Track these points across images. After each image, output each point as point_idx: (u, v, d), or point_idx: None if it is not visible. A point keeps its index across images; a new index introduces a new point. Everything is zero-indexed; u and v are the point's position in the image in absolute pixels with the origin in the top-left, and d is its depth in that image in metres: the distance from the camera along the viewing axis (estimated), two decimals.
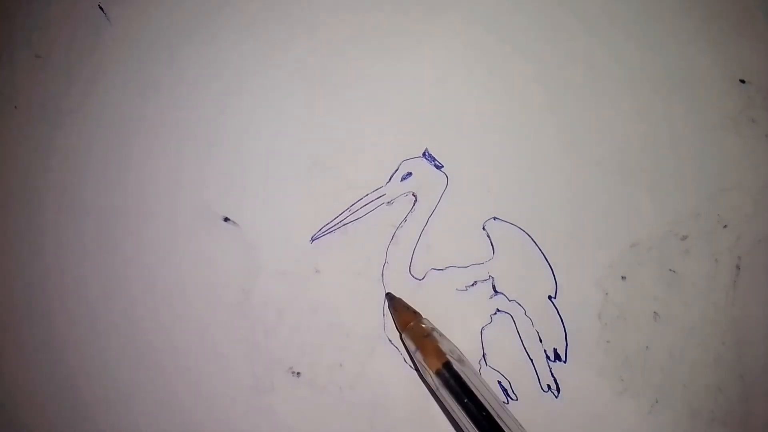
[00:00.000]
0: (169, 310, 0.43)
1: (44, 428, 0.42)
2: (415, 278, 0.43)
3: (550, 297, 0.43)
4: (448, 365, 0.38)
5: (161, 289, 0.43)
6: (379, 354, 0.42)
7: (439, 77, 0.45)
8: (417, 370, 0.41)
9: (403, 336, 0.41)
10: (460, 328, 0.43)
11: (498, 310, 0.43)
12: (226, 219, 0.44)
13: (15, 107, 0.46)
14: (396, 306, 0.41)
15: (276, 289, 0.43)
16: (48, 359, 0.43)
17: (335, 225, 0.43)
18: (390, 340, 0.43)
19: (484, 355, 0.42)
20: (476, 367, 0.42)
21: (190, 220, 0.44)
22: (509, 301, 0.43)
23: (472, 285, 0.43)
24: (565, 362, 0.42)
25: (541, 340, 0.42)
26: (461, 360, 0.39)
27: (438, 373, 0.38)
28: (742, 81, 0.44)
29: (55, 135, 0.45)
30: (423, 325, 0.40)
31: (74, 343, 0.43)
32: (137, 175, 0.45)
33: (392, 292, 0.42)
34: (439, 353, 0.38)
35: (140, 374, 0.42)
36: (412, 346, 0.40)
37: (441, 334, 0.40)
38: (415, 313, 0.41)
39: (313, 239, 0.43)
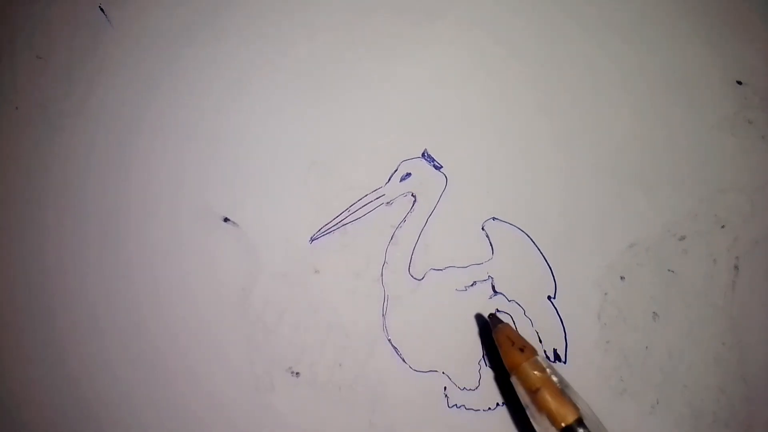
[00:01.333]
0: (170, 310, 0.43)
1: (47, 428, 0.42)
2: (415, 278, 0.43)
3: (549, 297, 0.43)
4: (580, 421, 0.32)
5: (162, 290, 0.43)
6: (378, 354, 0.43)
7: (437, 78, 0.46)
8: (508, 403, 0.36)
9: (518, 374, 0.34)
10: (459, 329, 0.43)
11: (497, 311, 0.43)
12: (226, 219, 0.44)
13: (16, 108, 0.46)
14: (510, 335, 0.35)
15: (276, 289, 0.43)
16: (50, 359, 0.43)
17: (335, 225, 0.44)
18: (389, 340, 0.43)
19: (483, 356, 0.42)
20: (476, 367, 0.42)
21: (190, 221, 0.44)
22: (509, 301, 0.43)
23: (472, 285, 0.43)
24: (564, 362, 0.42)
25: (540, 341, 0.42)
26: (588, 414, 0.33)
27: (566, 429, 0.32)
28: (739, 82, 0.45)
29: (55, 136, 0.46)
30: (543, 365, 0.35)
31: (76, 343, 0.43)
32: (137, 176, 0.45)
33: (497, 314, 0.37)
34: (571, 405, 0.32)
35: (142, 374, 0.43)
36: (531, 387, 0.33)
37: (561, 378, 0.34)
38: (533, 348, 0.35)
39: (312, 240, 0.44)
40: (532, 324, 0.42)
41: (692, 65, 0.45)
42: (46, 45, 0.47)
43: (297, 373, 0.43)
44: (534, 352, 0.36)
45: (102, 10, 0.47)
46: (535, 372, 0.34)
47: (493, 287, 0.43)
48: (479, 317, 0.40)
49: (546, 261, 0.43)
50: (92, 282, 0.44)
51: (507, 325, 0.36)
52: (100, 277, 0.44)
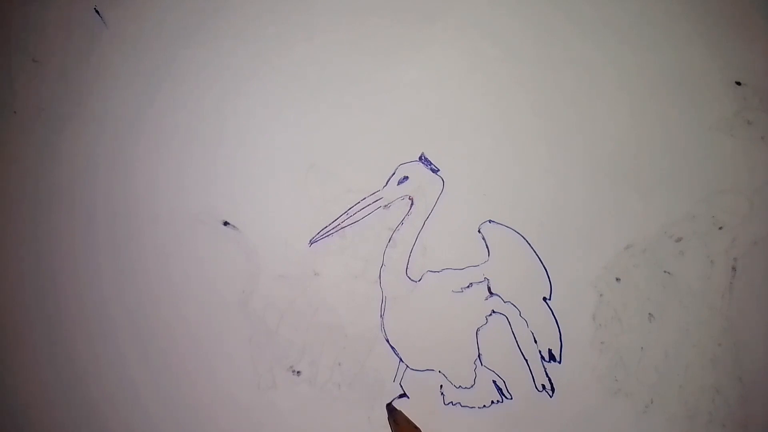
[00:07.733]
0: (173, 313, 0.45)
1: (56, 424, 0.45)
2: (412, 280, 0.44)
3: (544, 298, 0.43)
4: None
5: (164, 293, 0.45)
6: (376, 353, 0.44)
7: (435, 82, 0.46)
8: None
9: None
10: (455, 329, 0.44)
11: (493, 312, 0.43)
12: (226, 223, 0.45)
13: (14, 112, 0.47)
14: (397, 419, 0.42)
15: (276, 291, 0.44)
16: (58, 358, 0.45)
17: (333, 228, 0.45)
18: (387, 340, 0.44)
19: (479, 356, 0.43)
20: (472, 366, 0.43)
21: (190, 225, 0.45)
22: (504, 302, 0.43)
23: (468, 287, 0.44)
24: (559, 362, 0.43)
25: (536, 341, 0.43)
26: None
27: None
28: (738, 83, 0.44)
29: (54, 139, 0.47)
30: None
31: (84, 343, 0.45)
32: (137, 179, 0.46)
33: (393, 404, 0.43)
34: None
35: (147, 373, 0.44)
36: None
37: None
38: (416, 428, 0.42)
39: (311, 242, 0.45)
40: (527, 325, 0.43)
41: (691, 65, 0.44)
42: (42, 48, 0.47)
43: (298, 372, 0.44)
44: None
45: (97, 11, 0.47)
46: None
47: (489, 288, 0.44)
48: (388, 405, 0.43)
49: (541, 262, 0.43)
50: (96, 286, 0.45)
51: (401, 411, 0.43)
52: (103, 281, 0.45)
